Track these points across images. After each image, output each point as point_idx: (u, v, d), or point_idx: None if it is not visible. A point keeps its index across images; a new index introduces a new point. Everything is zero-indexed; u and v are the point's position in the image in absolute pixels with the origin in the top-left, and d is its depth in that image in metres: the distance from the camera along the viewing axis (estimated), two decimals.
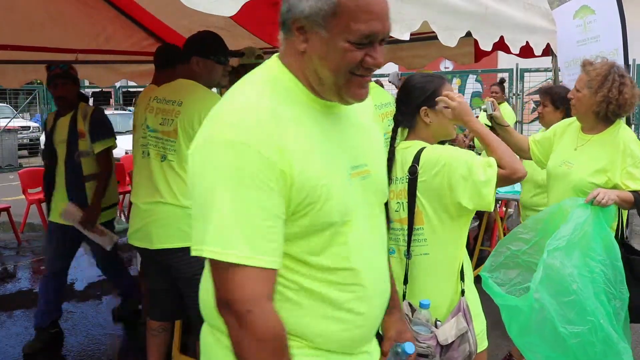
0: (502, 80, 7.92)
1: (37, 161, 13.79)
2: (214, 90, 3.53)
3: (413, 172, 1.92)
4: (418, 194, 1.91)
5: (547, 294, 2.15)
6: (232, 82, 4.27)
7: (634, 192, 2.39)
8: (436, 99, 1.97)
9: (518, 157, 2.11)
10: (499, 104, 6.95)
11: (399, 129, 2.08)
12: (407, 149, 2.00)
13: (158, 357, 2.92)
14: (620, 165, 2.41)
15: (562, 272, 2.16)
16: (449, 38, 2.51)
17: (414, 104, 2.01)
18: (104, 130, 3.70)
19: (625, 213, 2.59)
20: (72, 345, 3.80)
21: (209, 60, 2.57)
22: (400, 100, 2.09)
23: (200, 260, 2.59)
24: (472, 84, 12.32)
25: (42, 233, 7.11)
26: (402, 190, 1.97)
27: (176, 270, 2.60)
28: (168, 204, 2.51)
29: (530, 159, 2.88)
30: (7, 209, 6.51)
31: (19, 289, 5.06)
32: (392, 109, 3.04)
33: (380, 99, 2.95)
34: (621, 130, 2.49)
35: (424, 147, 1.95)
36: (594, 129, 2.55)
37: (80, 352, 3.70)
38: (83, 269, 5.60)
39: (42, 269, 5.69)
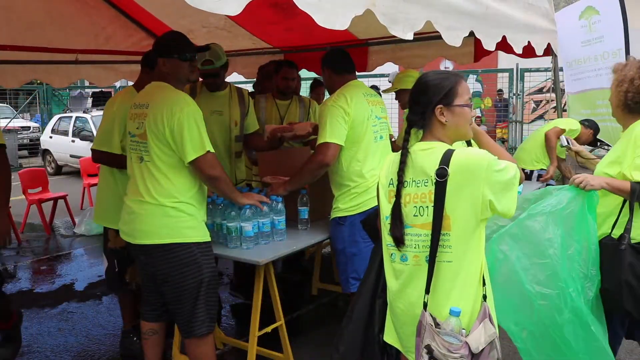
0: None
1: (37, 161, 13.81)
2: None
3: (442, 175, 1.79)
4: (447, 198, 1.79)
5: (519, 250, 2.21)
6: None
7: (636, 182, 2.40)
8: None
9: None
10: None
11: (412, 130, 1.95)
12: (427, 151, 1.88)
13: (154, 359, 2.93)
14: (630, 156, 2.45)
15: (541, 236, 2.21)
16: (453, 38, 2.50)
17: (429, 103, 1.89)
18: None
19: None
20: (72, 345, 3.80)
21: (173, 59, 2.63)
22: (414, 100, 1.96)
23: (175, 259, 2.61)
24: (472, 84, 12.33)
25: (42, 233, 7.12)
26: (423, 194, 1.85)
27: (152, 267, 2.66)
28: (146, 202, 2.59)
29: None
30: None
31: (19, 289, 5.06)
32: (380, 99, 3.21)
33: (367, 90, 3.19)
34: (637, 123, 2.53)
35: (452, 149, 1.83)
36: (625, 124, 2.62)
37: (80, 352, 3.70)
38: (83, 269, 5.61)
39: (42, 269, 5.70)
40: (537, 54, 3.49)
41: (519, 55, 3.50)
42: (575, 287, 2.26)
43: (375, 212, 2.98)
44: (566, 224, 2.28)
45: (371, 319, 2.21)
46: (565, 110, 12.95)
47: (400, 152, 1.96)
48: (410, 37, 2.18)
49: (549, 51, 3.68)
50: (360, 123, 3.00)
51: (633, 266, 2.37)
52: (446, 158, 1.81)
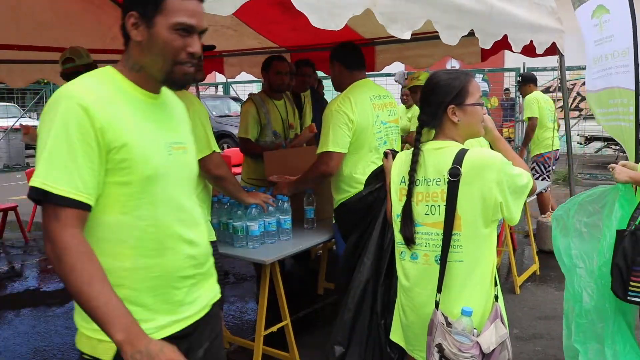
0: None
1: None
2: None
3: (455, 175, 1.80)
4: (459, 197, 1.79)
5: (563, 227, 2.76)
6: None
7: None
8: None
9: None
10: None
11: (424, 130, 1.95)
12: (440, 150, 1.88)
13: None
14: None
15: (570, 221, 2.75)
16: (450, 37, 2.49)
17: (440, 103, 1.89)
18: None
19: None
20: (73, 344, 3.80)
21: None
22: (424, 100, 1.96)
23: None
24: (478, 83, 12.28)
25: None
26: (435, 193, 1.85)
27: None
28: None
29: None
30: (14, 208, 6.54)
31: (26, 288, 5.08)
32: (390, 100, 3.12)
33: (376, 91, 3.06)
34: None
35: (465, 149, 1.83)
36: None
37: None
38: None
39: (49, 268, 5.72)
40: (538, 52, 3.47)
41: (524, 54, 3.48)
42: (587, 265, 2.64)
43: (355, 198, 2.97)
44: (602, 212, 2.65)
45: (373, 306, 2.20)
46: (573, 110, 12.81)
47: (411, 150, 1.96)
48: (407, 36, 2.15)
49: (554, 50, 3.66)
50: (363, 130, 2.93)
51: (625, 250, 2.44)
52: (459, 158, 1.81)
